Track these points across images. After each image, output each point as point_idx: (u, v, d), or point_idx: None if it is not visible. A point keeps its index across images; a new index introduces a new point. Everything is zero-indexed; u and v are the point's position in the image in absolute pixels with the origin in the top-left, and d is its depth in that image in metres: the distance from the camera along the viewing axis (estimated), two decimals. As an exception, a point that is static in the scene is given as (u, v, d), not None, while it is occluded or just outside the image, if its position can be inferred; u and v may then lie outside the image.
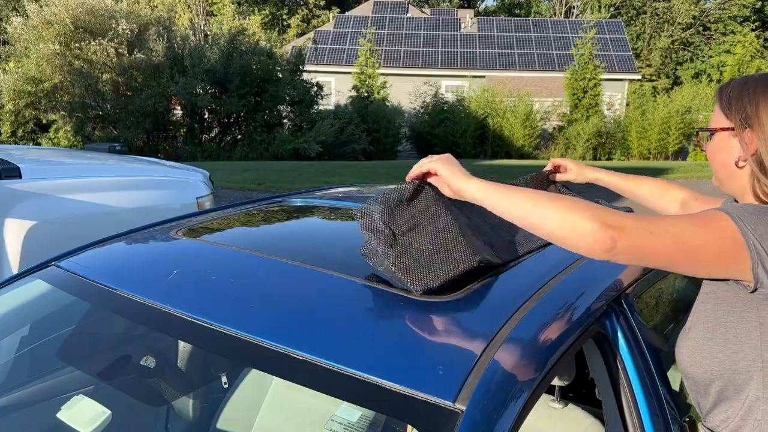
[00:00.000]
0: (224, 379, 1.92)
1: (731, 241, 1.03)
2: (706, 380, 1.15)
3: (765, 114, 1.12)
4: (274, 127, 17.83)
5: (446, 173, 1.18)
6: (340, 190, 2.36)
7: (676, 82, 33.16)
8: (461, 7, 38.33)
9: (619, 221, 1.00)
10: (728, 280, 1.09)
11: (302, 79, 18.37)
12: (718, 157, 1.21)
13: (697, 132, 1.27)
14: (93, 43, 15.69)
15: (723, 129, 1.18)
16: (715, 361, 1.12)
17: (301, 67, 18.38)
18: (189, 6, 29.67)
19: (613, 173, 1.67)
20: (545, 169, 1.75)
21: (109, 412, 1.43)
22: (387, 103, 20.17)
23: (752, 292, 1.06)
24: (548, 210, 1.04)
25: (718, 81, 29.71)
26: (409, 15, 27.78)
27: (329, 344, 1.03)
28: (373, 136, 18.81)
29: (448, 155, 1.23)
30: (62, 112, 16.04)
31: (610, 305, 1.28)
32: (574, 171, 1.70)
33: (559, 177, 1.74)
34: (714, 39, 34.82)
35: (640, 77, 25.87)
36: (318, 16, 37.79)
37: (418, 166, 1.23)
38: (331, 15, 32.99)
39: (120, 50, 16.21)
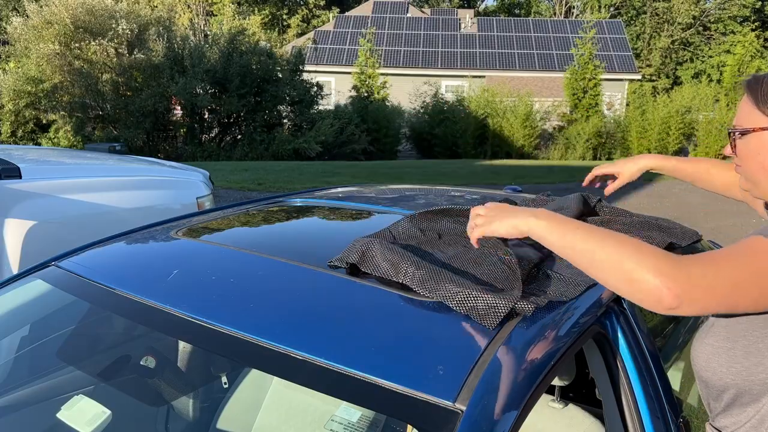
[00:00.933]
0: (224, 379, 1.92)
1: None
2: (720, 386, 1.14)
3: None
4: (274, 127, 17.82)
5: (499, 231, 1.12)
6: (340, 190, 2.36)
7: (676, 82, 33.18)
8: (461, 7, 38.33)
9: (684, 274, 0.93)
10: None
11: (302, 79, 18.36)
12: (757, 158, 1.13)
13: (729, 132, 1.18)
14: (93, 43, 15.69)
15: (764, 128, 1.11)
16: (732, 370, 1.10)
17: (301, 67, 18.37)
18: (189, 6, 29.67)
19: (671, 158, 1.57)
20: (586, 182, 1.66)
21: (109, 412, 1.43)
22: (387, 103, 20.16)
23: None
24: (610, 257, 0.98)
25: (718, 81, 29.71)
26: (409, 15, 27.79)
27: (329, 344, 1.03)
28: (373, 136, 18.81)
29: (493, 206, 1.16)
30: (62, 112, 16.03)
31: (610, 305, 1.28)
32: (625, 174, 1.62)
33: (614, 186, 1.64)
34: (714, 39, 34.82)
35: (640, 77, 25.87)
36: (318, 16, 37.79)
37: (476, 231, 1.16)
38: (331, 15, 33.00)
39: (120, 50, 16.21)
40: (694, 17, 34.39)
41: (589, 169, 1.74)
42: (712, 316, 1.17)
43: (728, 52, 32.82)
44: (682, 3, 33.90)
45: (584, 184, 1.70)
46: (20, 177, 2.95)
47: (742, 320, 1.09)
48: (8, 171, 2.92)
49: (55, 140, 16.23)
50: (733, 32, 33.89)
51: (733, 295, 0.97)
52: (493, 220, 1.13)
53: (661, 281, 0.93)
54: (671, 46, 34.78)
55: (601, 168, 1.68)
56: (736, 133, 1.15)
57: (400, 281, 1.17)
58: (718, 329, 1.14)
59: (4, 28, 17.67)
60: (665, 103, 20.46)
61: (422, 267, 1.17)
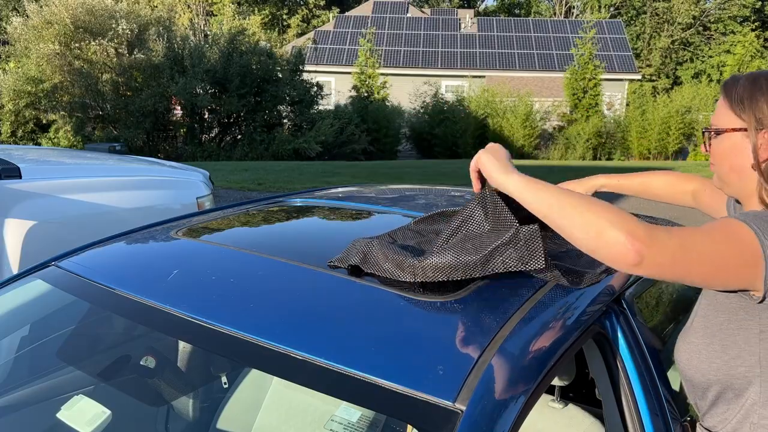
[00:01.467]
0: (224, 379, 1.92)
1: (751, 253, 1.00)
2: (703, 384, 1.15)
3: None
4: (274, 127, 17.83)
5: (488, 166, 1.16)
6: (340, 190, 2.36)
7: (676, 82, 33.19)
8: (461, 7, 38.33)
9: (648, 233, 0.96)
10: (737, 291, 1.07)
11: (302, 79, 18.37)
12: (728, 159, 1.15)
13: (704, 132, 1.21)
14: (93, 43, 15.70)
15: (735, 129, 1.13)
16: (713, 366, 1.12)
17: (301, 67, 18.38)
18: (189, 6, 29.68)
19: (615, 176, 1.61)
20: None
21: (109, 412, 1.43)
22: (387, 103, 20.17)
23: (760, 302, 1.04)
24: (578, 211, 1.00)
25: (718, 81, 29.71)
26: (409, 15, 27.79)
27: (329, 344, 1.03)
28: (373, 136, 18.82)
29: (493, 145, 1.21)
30: (62, 112, 16.04)
31: (610, 305, 1.28)
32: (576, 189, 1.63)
33: None
34: (714, 39, 34.83)
35: (640, 77, 25.87)
36: (318, 16, 37.80)
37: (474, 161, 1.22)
38: (331, 15, 33.00)
39: (120, 50, 16.22)
40: (694, 17, 34.40)
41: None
42: (690, 318, 1.19)
43: (728, 52, 32.83)
44: (682, 3, 33.91)
45: None
46: (20, 177, 2.95)
47: (719, 315, 1.11)
48: (8, 171, 2.92)
49: (55, 140, 16.24)
50: (733, 32, 33.90)
51: (700, 268, 0.99)
52: (488, 162, 1.17)
53: (627, 238, 0.95)
54: (671, 46, 34.78)
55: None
56: (711, 133, 1.18)
57: (407, 279, 1.17)
58: (697, 327, 1.16)
59: (4, 28, 17.67)
60: (665, 103, 20.47)
61: (431, 255, 1.17)
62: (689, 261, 0.98)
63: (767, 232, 1.01)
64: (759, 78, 1.14)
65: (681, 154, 20.39)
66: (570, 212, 1.01)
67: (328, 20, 30.90)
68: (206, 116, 17.51)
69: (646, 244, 0.95)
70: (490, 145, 1.21)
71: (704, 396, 1.17)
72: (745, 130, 1.12)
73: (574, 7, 37.44)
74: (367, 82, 20.08)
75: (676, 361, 1.21)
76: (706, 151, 1.21)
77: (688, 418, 1.31)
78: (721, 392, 1.13)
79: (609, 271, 1.31)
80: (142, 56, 16.17)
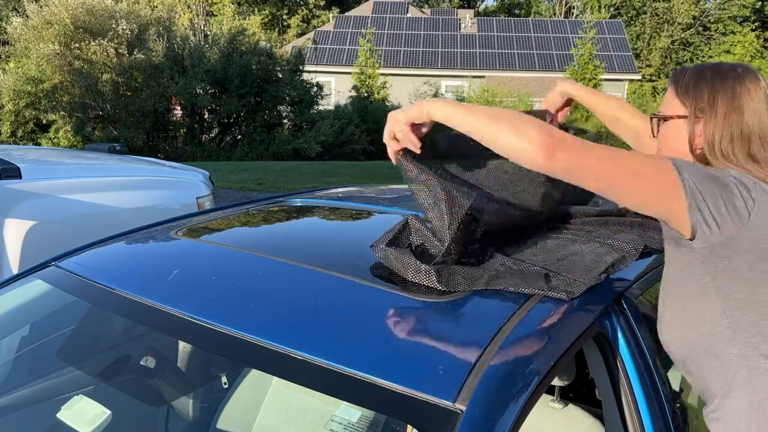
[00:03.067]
0: (224, 379, 1.92)
1: (668, 179, 1.08)
2: (688, 356, 1.17)
3: (720, 105, 1.15)
4: (274, 127, 17.82)
5: (407, 112, 1.21)
6: (340, 190, 2.36)
7: (676, 82, 33.09)
8: (461, 7, 38.32)
9: (565, 135, 1.07)
10: (680, 242, 1.14)
11: (302, 80, 18.37)
12: (671, 143, 1.23)
13: (651, 117, 1.29)
14: (93, 43, 15.69)
15: (679, 116, 1.21)
16: (686, 329, 1.15)
17: (301, 67, 18.37)
18: (189, 6, 29.67)
19: (588, 90, 1.64)
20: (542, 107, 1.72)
21: (109, 412, 1.43)
22: (387, 104, 20.17)
23: (691, 239, 1.10)
24: (501, 120, 1.11)
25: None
26: (409, 15, 27.78)
27: (329, 344, 1.03)
28: (373, 137, 18.79)
29: (390, 114, 1.25)
30: (62, 113, 16.03)
31: (610, 305, 1.28)
32: (549, 102, 1.67)
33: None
34: (714, 39, 34.82)
35: (640, 77, 25.87)
36: (318, 16, 37.79)
37: (389, 135, 1.25)
38: (331, 15, 32.99)
39: (120, 50, 16.21)
40: (694, 17, 34.39)
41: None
42: (659, 298, 1.24)
43: (728, 52, 32.81)
44: (682, 3, 33.90)
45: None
46: (20, 177, 2.95)
47: (674, 277, 1.17)
48: (8, 171, 2.92)
49: (55, 140, 16.23)
50: (733, 32, 33.89)
51: (611, 172, 1.08)
52: (398, 114, 1.22)
53: (541, 134, 1.06)
54: (671, 47, 34.78)
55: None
56: (656, 119, 1.27)
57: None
58: (664, 298, 1.22)
59: (4, 28, 17.67)
60: (665, 103, 20.47)
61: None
62: (600, 163, 1.07)
63: (689, 170, 1.09)
64: (704, 69, 1.21)
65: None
66: (496, 120, 1.11)
67: (328, 20, 30.89)
68: (206, 116, 17.50)
69: (561, 140, 1.06)
70: (390, 115, 1.26)
71: (698, 374, 1.18)
72: (686, 117, 1.19)
73: (574, 8, 37.43)
74: (367, 82, 20.08)
75: (665, 348, 1.23)
76: (654, 136, 1.29)
77: (687, 418, 1.31)
78: (703, 359, 1.14)
79: (607, 273, 1.31)
80: (142, 56, 16.16)
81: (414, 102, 1.23)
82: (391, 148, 1.25)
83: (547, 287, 1.16)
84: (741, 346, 1.09)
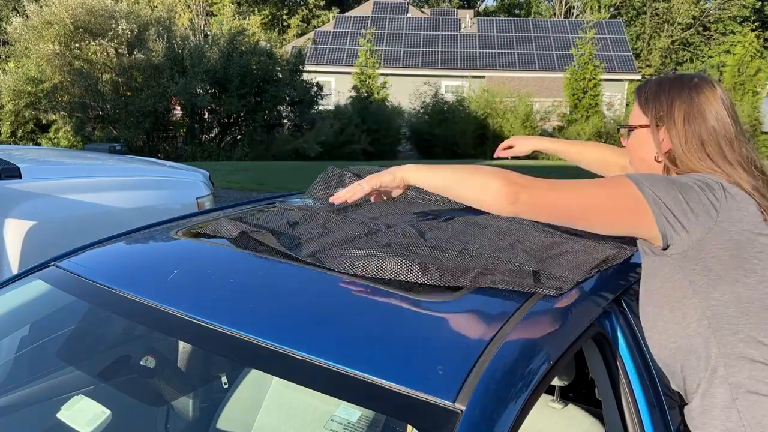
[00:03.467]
0: (224, 379, 1.92)
1: (630, 195, 1.11)
2: (671, 359, 1.18)
3: (678, 112, 1.21)
4: (274, 127, 17.81)
5: (379, 178, 1.29)
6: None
7: (676, 82, 33.09)
8: (461, 7, 38.32)
9: (525, 180, 1.14)
10: (655, 252, 1.16)
11: (302, 80, 18.36)
12: (638, 152, 1.30)
13: (618, 128, 1.38)
14: (93, 43, 15.68)
15: (641, 126, 1.28)
16: (669, 333, 1.16)
17: (301, 68, 18.36)
18: (189, 6, 29.67)
19: (557, 140, 1.78)
20: (496, 153, 1.87)
21: (109, 412, 1.43)
22: (387, 104, 20.15)
23: (664, 249, 1.13)
24: (467, 178, 1.20)
25: (718, 81, 29.66)
26: (409, 15, 27.78)
27: (329, 344, 1.03)
28: (373, 137, 18.79)
29: (367, 177, 1.32)
30: (62, 113, 16.02)
31: (610, 305, 1.28)
32: (518, 145, 1.82)
33: (503, 153, 1.86)
34: (714, 39, 34.82)
35: (640, 77, 25.86)
36: (318, 16, 37.78)
37: (349, 192, 1.33)
38: (331, 15, 32.98)
39: (120, 50, 16.20)
40: (694, 17, 34.39)
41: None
42: (640, 305, 1.26)
43: (728, 52, 32.74)
44: (682, 3, 33.90)
45: (495, 155, 1.90)
46: (20, 177, 2.95)
47: (654, 282, 1.19)
48: (8, 171, 2.92)
49: (55, 140, 16.22)
50: (733, 32, 33.87)
51: (574, 204, 1.14)
52: (374, 177, 1.30)
53: (503, 183, 1.14)
54: (671, 47, 34.77)
55: (505, 142, 1.87)
56: (622, 130, 1.36)
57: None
58: (646, 308, 1.23)
59: (4, 28, 17.66)
60: (665, 103, 20.46)
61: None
62: (563, 198, 1.12)
63: (649, 181, 1.12)
64: (664, 80, 1.28)
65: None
66: (462, 179, 1.20)
67: (328, 20, 30.89)
68: (206, 116, 17.49)
69: (521, 185, 1.13)
70: (365, 178, 1.32)
71: (675, 372, 1.19)
72: (648, 126, 1.26)
73: (574, 8, 37.43)
74: (367, 83, 20.06)
75: (654, 355, 1.24)
76: (623, 145, 1.37)
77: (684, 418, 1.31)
78: (686, 359, 1.15)
79: (598, 269, 1.30)
80: (142, 56, 16.15)
81: (385, 169, 1.31)
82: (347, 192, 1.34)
83: (534, 284, 1.16)
84: (721, 345, 1.11)
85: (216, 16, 29.28)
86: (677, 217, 1.09)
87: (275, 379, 1.79)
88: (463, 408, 0.87)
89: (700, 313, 1.11)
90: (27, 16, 15.80)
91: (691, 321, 1.12)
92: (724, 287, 1.10)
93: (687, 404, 1.20)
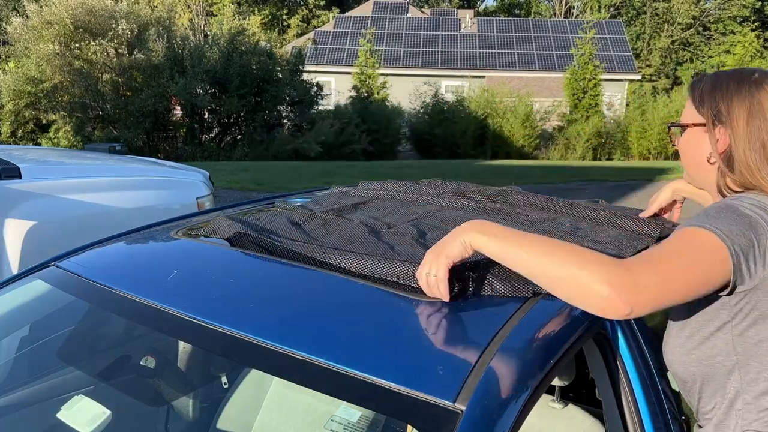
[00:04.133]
0: (224, 379, 1.92)
1: (718, 251, 0.99)
2: (688, 378, 1.17)
3: (737, 110, 1.11)
4: (274, 127, 17.82)
5: (453, 255, 1.07)
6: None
7: (676, 82, 33.16)
8: (461, 7, 38.32)
9: (632, 282, 0.93)
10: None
11: (302, 80, 18.37)
12: (690, 153, 1.21)
13: (669, 127, 1.28)
14: (93, 43, 15.68)
15: (695, 125, 1.18)
16: (692, 358, 1.14)
17: (301, 68, 18.37)
18: (189, 6, 29.67)
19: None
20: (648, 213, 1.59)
21: (109, 412, 1.43)
22: (387, 104, 20.17)
23: (729, 294, 1.04)
24: (555, 264, 0.98)
25: None
26: (409, 15, 27.78)
27: (329, 344, 1.03)
28: (373, 137, 18.80)
29: (430, 252, 1.11)
30: (62, 113, 16.03)
31: (610, 305, 1.27)
32: (659, 200, 1.56)
33: (648, 212, 1.60)
34: (714, 39, 34.83)
35: (640, 77, 25.87)
36: (318, 16, 37.79)
37: (427, 287, 1.10)
38: (331, 15, 32.99)
39: (120, 50, 16.20)
40: (694, 17, 34.40)
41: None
42: (670, 316, 1.21)
43: (728, 52, 32.82)
44: (682, 3, 33.91)
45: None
46: (20, 177, 2.95)
47: (696, 307, 1.13)
48: (8, 171, 2.92)
49: (55, 140, 16.23)
50: (733, 32, 33.91)
51: (681, 292, 0.98)
52: (440, 254, 1.08)
53: (611, 292, 0.92)
54: (671, 47, 34.78)
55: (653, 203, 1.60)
56: (674, 128, 1.24)
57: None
58: (675, 323, 1.18)
59: (4, 28, 17.65)
60: (665, 103, 20.47)
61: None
62: (675, 290, 0.97)
63: (725, 227, 1.00)
64: (720, 76, 1.17)
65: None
66: (548, 263, 0.99)
67: (328, 20, 30.89)
68: (206, 116, 17.50)
69: (632, 292, 0.93)
70: (426, 270, 1.09)
71: (692, 391, 1.18)
72: (704, 125, 1.16)
73: (574, 7, 37.44)
74: (367, 83, 20.08)
75: (665, 360, 1.23)
76: (674, 145, 1.26)
77: (687, 418, 1.31)
78: (704, 384, 1.14)
79: None
80: (142, 56, 16.16)
81: (448, 236, 1.09)
82: (428, 289, 1.11)
83: (533, 290, 1.14)
84: (744, 381, 1.09)
85: (216, 16, 29.29)
86: (749, 263, 1.00)
87: (275, 379, 1.79)
88: (464, 408, 0.87)
89: (731, 348, 1.08)
90: (27, 16, 15.81)
91: (719, 353, 1.10)
92: (762, 326, 1.06)
93: (697, 422, 1.20)
